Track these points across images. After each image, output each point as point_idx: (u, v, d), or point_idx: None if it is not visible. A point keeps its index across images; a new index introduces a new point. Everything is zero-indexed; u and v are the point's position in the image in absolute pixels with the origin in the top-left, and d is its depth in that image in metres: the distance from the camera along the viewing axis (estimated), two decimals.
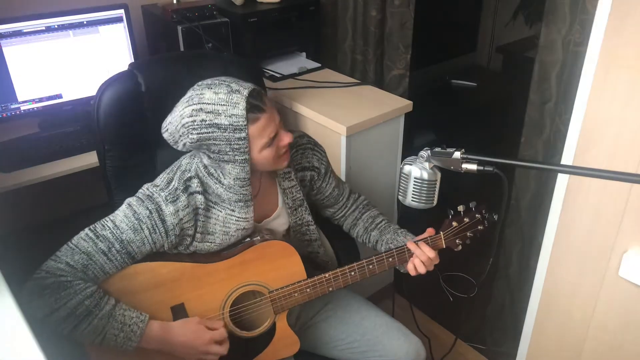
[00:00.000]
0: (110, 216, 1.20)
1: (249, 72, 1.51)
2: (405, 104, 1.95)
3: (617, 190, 1.29)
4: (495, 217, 1.31)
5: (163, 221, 1.18)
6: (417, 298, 2.20)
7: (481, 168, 1.07)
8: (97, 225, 1.18)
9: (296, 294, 1.30)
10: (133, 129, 1.41)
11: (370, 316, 1.46)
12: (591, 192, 1.35)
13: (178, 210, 1.19)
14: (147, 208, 1.18)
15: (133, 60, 1.96)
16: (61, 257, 1.15)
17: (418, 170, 1.16)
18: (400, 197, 1.21)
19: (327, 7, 2.32)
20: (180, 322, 1.23)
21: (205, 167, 1.23)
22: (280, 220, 1.39)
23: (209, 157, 1.19)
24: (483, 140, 2.52)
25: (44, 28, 1.77)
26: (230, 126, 1.13)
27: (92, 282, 1.15)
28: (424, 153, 1.16)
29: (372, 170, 1.99)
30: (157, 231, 1.18)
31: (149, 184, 1.23)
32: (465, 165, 1.09)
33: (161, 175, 1.25)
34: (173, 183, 1.22)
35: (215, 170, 1.22)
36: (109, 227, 1.18)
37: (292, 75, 2.16)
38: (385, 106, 1.92)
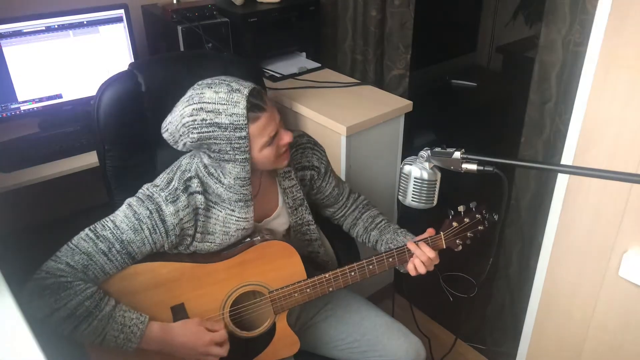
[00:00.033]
0: (111, 216, 1.20)
1: (249, 72, 1.51)
2: (405, 104, 1.95)
3: (617, 190, 1.29)
4: (496, 217, 1.31)
5: (163, 221, 1.18)
6: (417, 298, 2.20)
7: (481, 168, 1.07)
8: (97, 226, 1.18)
9: (296, 294, 1.30)
10: (133, 129, 1.41)
11: (370, 316, 1.46)
12: (591, 192, 1.35)
13: (178, 211, 1.19)
14: (148, 208, 1.18)
15: (133, 60, 1.96)
16: (61, 257, 1.15)
17: (418, 170, 1.16)
18: (400, 197, 1.21)
19: (327, 7, 2.32)
20: (181, 323, 1.23)
21: (205, 166, 1.23)
22: (280, 220, 1.39)
23: (210, 157, 1.19)
24: (483, 140, 2.52)
25: (44, 28, 1.77)
26: (231, 125, 1.13)
27: (92, 283, 1.15)
28: (424, 153, 1.16)
29: (372, 170, 1.99)
30: (158, 231, 1.18)
31: (149, 184, 1.23)
32: (465, 165, 1.09)
33: (161, 176, 1.25)
34: (173, 183, 1.22)
35: (215, 170, 1.22)
36: (109, 227, 1.18)
37: (292, 75, 2.16)
38: (385, 106, 1.92)
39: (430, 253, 1.30)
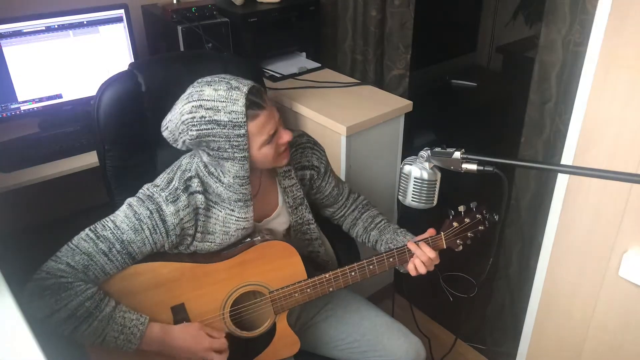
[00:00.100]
0: (111, 216, 1.20)
1: (249, 72, 1.51)
2: (405, 104, 1.95)
3: (617, 190, 1.29)
4: (496, 217, 1.31)
5: (164, 221, 1.18)
6: (417, 298, 2.20)
7: (481, 168, 1.07)
8: (97, 226, 1.18)
9: (296, 294, 1.30)
10: (133, 129, 1.41)
11: (370, 316, 1.46)
12: (591, 192, 1.35)
13: (178, 210, 1.19)
14: (148, 208, 1.18)
15: (133, 60, 1.96)
16: (62, 257, 1.15)
17: (418, 170, 1.16)
18: (400, 197, 1.21)
19: (327, 7, 2.32)
20: (182, 326, 1.24)
21: (205, 166, 1.23)
22: (280, 220, 1.39)
23: (209, 155, 1.19)
24: (483, 140, 2.52)
25: (44, 28, 1.77)
26: (230, 123, 1.13)
27: (92, 283, 1.15)
28: (424, 153, 1.16)
29: (372, 170, 1.99)
30: (158, 231, 1.18)
31: (150, 184, 1.23)
32: (465, 165, 1.09)
33: (161, 175, 1.25)
34: (173, 183, 1.21)
35: (215, 169, 1.22)
36: (109, 227, 1.17)
37: (292, 75, 2.16)
38: (385, 106, 1.92)
39: (431, 253, 1.30)
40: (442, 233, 1.32)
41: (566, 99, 1.56)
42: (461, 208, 1.31)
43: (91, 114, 1.39)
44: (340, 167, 1.88)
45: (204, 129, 1.14)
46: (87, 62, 1.88)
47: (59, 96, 1.87)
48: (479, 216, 1.31)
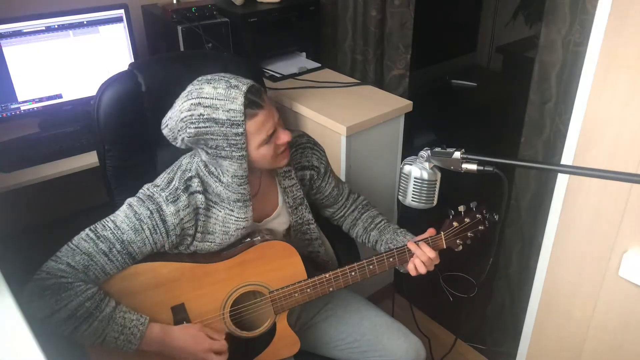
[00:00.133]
0: (111, 216, 1.20)
1: (249, 72, 1.51)
2: (405, 104, 1.95)
3: (617, 190, 1.29)
4: (496, 217, 1.31)
5: (164, 221, 1.18)
6: (417, 298, 2.20)
7: (481, 168, 1.07)
8: (97, 226, 1.18)
9: (296, 294, 1.30)
10: (133, 129, 1.41)
11: (370, 316, 1.46)
12: (591, 192, 1.35)
13: (179, 210, 1.19)
14: (148, 208, 1.18)
15: (133, 60, 1.96)
16: (62, 257, 1.15)
17: (418, 170, 1.16)
18: (400, 197, 1.21)
19: (327, 7, 2.32)
20: (182, 327, 1.24)
21: (205, 165, 1.23)
22: (280, 220, 1.39)
23: (207, 153, 1.19)
24: (483, 140, 2.52)
25: (44, 28, 1.77)
26: (228, 121, 1.13)
27: (92, 283, 1.15)
28: (424, 153, 1.16)
29: (372, 170, 1.99)
30: (158, 231, 1.18)
31: (150, 184, 1.23)
32: (465, 165, 1.09)
33: (162, 175, 1.25)
34: (173, 183, 1.21)
35: (215, 168, 1.22)
36: (109, 227, 1.17)
37: (292, 75, 2.16)
38: (385, 106, 1.92)
39: (431, 253, 1.30)
40: (442, 233, 1.32)
41: (566, 99, 1.56)
42: (461, 208, 1.31)
43: (91, 114, 1.39)
44: (340, 167, 1.88)
45: (202, 127, 1.14)
46: (87, 62, 1.88)
47: (59, 96, 1.87)
48: (479, 216, 1.31)
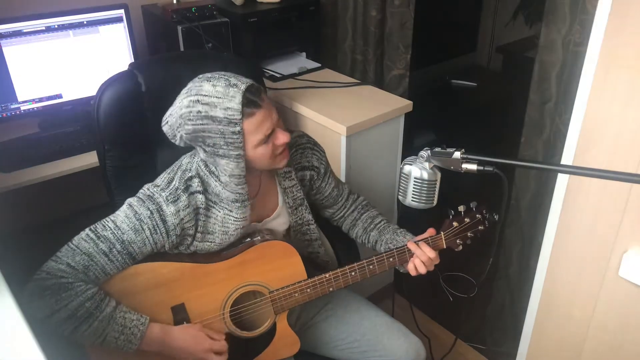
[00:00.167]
0: (111, 216, 1.20)
1: (249, 72, 1.50)
2: (405, 104, 1.95)
3: (617, 190, 1.29)
4: (496, 217, 1.31)
5: (164, 221, 1.18)
6: (417, 298, 2.20)
7: (481, 168, 1.07)
8: (97, 226, 1.18)
9: (296, 294, 1.30)
10: (133, 129, 1.41)
11: (370, 316, 1.46)
12: (591, 192, 1.35)
13: (179, 210, 1.19)
14: (148, 208, 1.18)
15: (133, 60, 1.96)
16: (62, 257, 1.15)
17: (418, 170, 1.16)
18: (400, 197, 1.21)
19: (327, 7, 2.32)
20: (182, 327, 1.24)
21: (206, 165, 1.23)
22: (280, 220, 1.39)
23: (205, 151, 1.19)
24: (483, 140, 2.52)
25: (44, 28, 1.77)
26: (225, 119, 1.13)
27: (92, 284, 1.15)
28: (424, 153, 1.16)
29: (372, 170, 1.99)
30: (158, 231, 1.18)
31: (150, 184, 1.23)
32: (465, 165, 1.09)
33: (162, 175, 1.25)
34: (174, 183, 1.21)
35: (215, 167, 1.22)
36: (110, 227, 1.17)
37: (292, 75, 2.16)
38: (385, 106, 1.92)
39: (431, 253, 1.30)
40: (442, 233, 1.32)
41: (566, 99, 1.56)
42: (461, 208, 1.31)
43: (91, 114, 1.39)
44: (340, 167, 1.88)
45: (200, 124, 1.14)
46: (87, 62, 1.88)
47: (59, 96, 1.87)
48: (479, 216, 1.31)
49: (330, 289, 1.32)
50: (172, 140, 1.22)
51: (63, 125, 1.85)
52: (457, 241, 1.32)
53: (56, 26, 1.79)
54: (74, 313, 1.11)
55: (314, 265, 1.45)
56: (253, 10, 2.14)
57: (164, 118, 1.21)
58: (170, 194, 1.19)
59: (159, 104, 1.30)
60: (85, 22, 1.84)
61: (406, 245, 1.31)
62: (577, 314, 1.49)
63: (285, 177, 1.35)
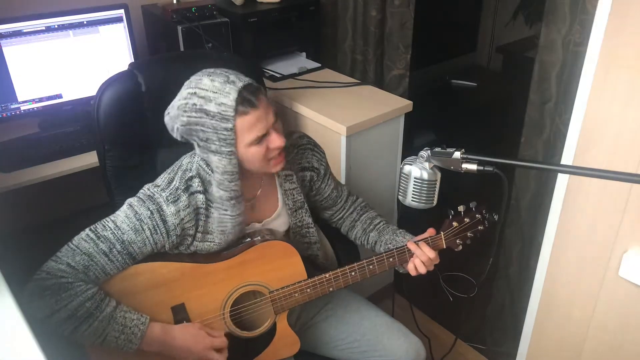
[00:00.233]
0: (111, 217, 1.20)
1: (249, 72, 1.50)
2: (405, 104, 1.95)
3: (617, 190, 1.29)
4: (496, 217, 1.31)
5: (164, 221, 1.18)
6: (417, 298, 2.21)
7: (481, 168, 1.07)
8: (98, 226, 1.18)
9: (296, 294, 1.30)
10: (133, 129, 1.41)
11: (370, 316, 1.46)
12: (591, 192, 1.35)
13: (179, 211, 1.19)
14: (149, 208, 1.18)
15: (133, 60, 1.96)
16: (62, 257, 1.15)
17: (418, 170, 1.16)
18: (400, 197, 1.21)
19: (327, 7, 2.32)
20: (182, 326, 1.24)
21: (207, 164, 1.22)
22: (280, 220, 1.39)
23: (199, 146, 1.19)
24: (483, 140, 2.52)
25: (44, 28, 1.77)
26: (218, 114, 1.13)
27: (93, 284, 1.15)
28: (424, 153, 1.16)
29: (372, 170, 1.99)
30: (159, 232, 1.18)
31: (150, 184, 1.23)
32: (465, 165, 1.09)
33: (162, 175, 1.25)
34: (174, 183, 1.21)
35: (210, 165, 1.22)
36: (110, 227, 1.17)
37: (292, 75, 2.16)
38: (385, 106, 1.92)
39: (431, 253, 1.30)
40: (441, 233, 1.32)
41: (566, 99, 1.56)
42: (461, 208, 1.31)
43: (91, 114, 1.39)
44: (340, 167, 1.88)
45: (194, 117, 1.14)
46: (87, 62, 1.88)
47: (59, 96, 1.87)
48: (479, 216, 1.31)
49: (330, 289, 1.32)
50: (171, 133, 1.22)
51: (63, 125, 1.85)
52: (457, 241, 1.32)
53: (56, 26, 1.79)
54: (74, 313, 1.11)
55: (314, 266, 1.45)
56: (253, 10, 2.14)
57: (167, 109, 1.21)
58: (170, 194, 1.19)
59: (159, 104, 1.29)
60: (85, 22, 1.84)
61: (406, 245, 1.31)
62: (577, 314, 1.49)
63: (286, 180, 1.35)
